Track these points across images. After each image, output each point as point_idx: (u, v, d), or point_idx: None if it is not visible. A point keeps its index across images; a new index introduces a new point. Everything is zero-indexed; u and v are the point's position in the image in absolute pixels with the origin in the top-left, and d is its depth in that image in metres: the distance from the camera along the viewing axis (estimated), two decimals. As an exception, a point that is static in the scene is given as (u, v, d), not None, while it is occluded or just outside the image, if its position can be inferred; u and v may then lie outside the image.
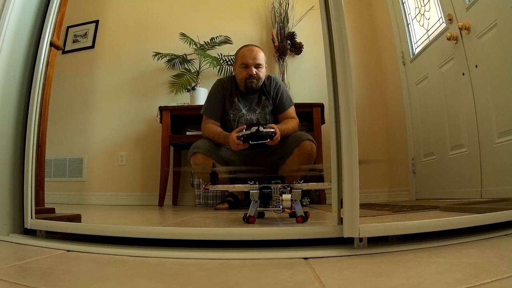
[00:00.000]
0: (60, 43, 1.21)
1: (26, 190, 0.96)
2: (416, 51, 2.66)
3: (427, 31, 2.51)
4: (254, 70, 2.11)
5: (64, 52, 3.22)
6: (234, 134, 1.93)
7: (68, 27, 3.32)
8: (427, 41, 2.49)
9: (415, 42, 2.69)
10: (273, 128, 1.93)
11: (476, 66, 1.96)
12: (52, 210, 1.15)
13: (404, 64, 2.77)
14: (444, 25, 2.26)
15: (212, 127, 2.15)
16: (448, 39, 2.13)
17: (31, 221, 0.95)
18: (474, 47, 1.98)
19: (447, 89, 2.26)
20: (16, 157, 0.99)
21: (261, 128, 1.87)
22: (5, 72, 0.99)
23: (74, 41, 3.33)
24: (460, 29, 2.04)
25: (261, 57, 2.16)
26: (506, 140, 1.76)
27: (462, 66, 2.07)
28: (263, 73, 2.17)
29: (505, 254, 0.62)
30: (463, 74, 2.06)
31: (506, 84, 1.75)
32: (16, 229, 0.95)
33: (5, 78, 0.99)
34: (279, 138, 1.95)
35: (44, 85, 1.06)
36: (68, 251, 0.78)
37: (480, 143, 1.95)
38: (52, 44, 1.12)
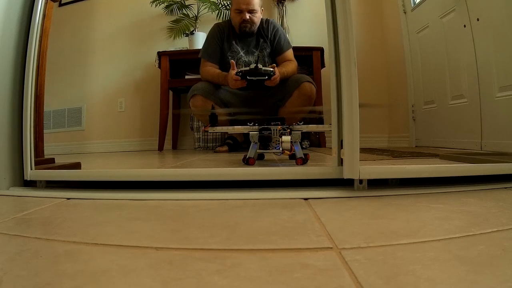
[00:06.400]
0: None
1: (25, 142, 0.95)
2: (417, 0, 2.54)
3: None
4: (247, 15, 2.10)
5: (60, 4, 3.11)
6: (232, 72, 1.91)
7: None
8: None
9: (416, -10, 2.57)
10: (272, 68, 1.90)
11: (478, 20, 1.90)
12: (51, 161, 1.15)
13: (405, 12, 2.68)
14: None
15: (211, 69, 2.14)
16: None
17: (30, 172, 0.94)
18: (476, 0, 1.91)
19: (448, 40, 2.20)
20: (15, 111, 0.97)
21: (259, 65, 1.83)
22: (2, 25, 0.94)
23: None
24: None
25: (255, 2, 2.12)
26: (506, 95, 1.74)
27: (464, 18, 2.00)
28: (257, 17, 2.15)
29: (505, 206, 0.62)
30: (464, 26, 2.00)
31: (507, 40, 1.70)
32: (16, 182, 0.95)
33: (1, 31, 0.94)
34: (278, 79, 1.93)
35: (41, 37, 1.03)
36: (68, 199, 0.78)
37: (480, 96, 1.93)
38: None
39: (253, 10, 2.11)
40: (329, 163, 1.14)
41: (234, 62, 1.93)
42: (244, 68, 1.87)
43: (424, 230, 0.49)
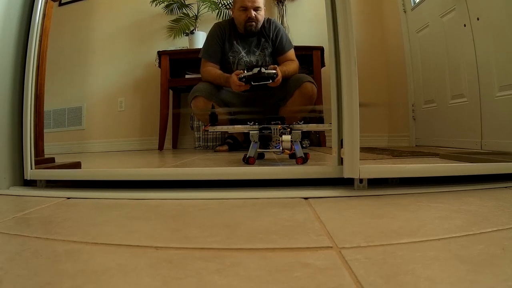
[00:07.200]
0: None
1: (26, 141, 0.95)
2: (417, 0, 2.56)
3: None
4: (253, 13, 2.08)
5: (60, 4, 3.12)
6: (234, 76, 1.91)
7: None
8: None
9: (416, -11, 2.57)
10: (274, 69, 1.90)
11: (478, 19, 1.90)
12: (51, 160, 1.15)
13: (405, 12, 2.69)
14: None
15: (212, 70, 2.13)
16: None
17: (30, 172, 0.94)
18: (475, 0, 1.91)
19: (448, 39, 2.20)
20: (15, 111, 0.97)
21: (262, 69, 1.84)
22: (2, 24, 0.94)
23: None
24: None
25: (260, 0, 2.11)
26: (506, 94, 1.74)
27: (464, 17, 2.01)
28: (262, 15, 2.14)
29: (505, 205, 0.62)
30: (464, 25, 2.00)
31: (507, 40, 1.70)
32: (16, 181, 0.95)
33: (1, 30, 0.94)
34: (280, 79, 1.94)
35: (41, 36, 1.03)
36: (68, 198, 0.78)
37: (480, 95, 1.93)
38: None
39: (258, 7, 2.10)
40: (329, 162, 1.14)
41: (238, 72, 1.92)
42: (247, 74, 1.87)
43: (424, 229, 0.49)
